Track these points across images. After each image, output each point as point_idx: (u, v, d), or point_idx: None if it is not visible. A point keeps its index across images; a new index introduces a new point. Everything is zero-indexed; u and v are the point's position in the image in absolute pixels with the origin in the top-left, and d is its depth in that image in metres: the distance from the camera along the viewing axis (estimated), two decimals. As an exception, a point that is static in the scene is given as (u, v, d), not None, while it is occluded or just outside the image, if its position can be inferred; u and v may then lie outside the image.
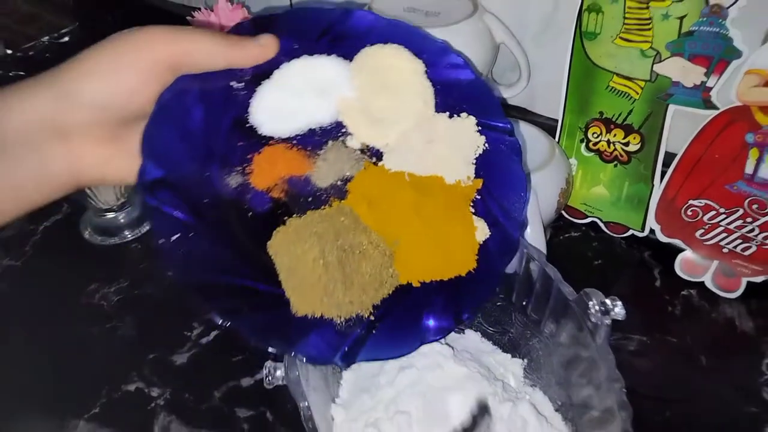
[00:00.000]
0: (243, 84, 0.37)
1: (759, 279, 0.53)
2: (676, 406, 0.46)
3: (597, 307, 0.39)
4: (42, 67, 0.31)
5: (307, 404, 0.36)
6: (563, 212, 0.62)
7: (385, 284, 0.39)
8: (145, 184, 0.34)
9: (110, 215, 0.61)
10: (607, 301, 0.40)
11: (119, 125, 0.33)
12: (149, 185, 0.34)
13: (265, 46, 0.36)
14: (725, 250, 0.54)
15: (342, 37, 0.38)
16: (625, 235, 0.59)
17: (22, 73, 0.88)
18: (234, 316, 0.35)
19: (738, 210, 0.52)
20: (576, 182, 0.60)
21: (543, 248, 0.49)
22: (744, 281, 0.53)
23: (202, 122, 0.36)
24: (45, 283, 0.58)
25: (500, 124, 0.39)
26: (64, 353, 0.52)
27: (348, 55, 0.39)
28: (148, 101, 0.33)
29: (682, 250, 0.56)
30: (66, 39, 0.97)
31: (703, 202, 0.53)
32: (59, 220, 0.64)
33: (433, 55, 0.39)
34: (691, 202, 0.54)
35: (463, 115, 0.39)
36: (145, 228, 0.62)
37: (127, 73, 0.32)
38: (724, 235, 0.54)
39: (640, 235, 0.58)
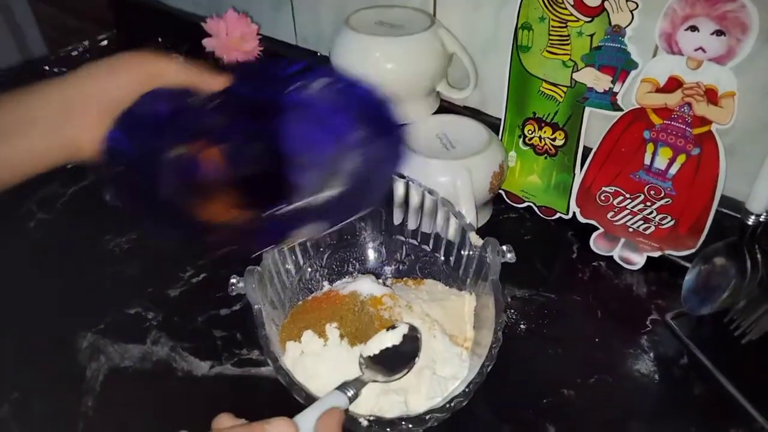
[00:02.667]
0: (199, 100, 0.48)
1: (656, 254, 0.63)
2: (564, 345, 0.55)
3: (493, 251, 0.50)
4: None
5: (258, 307, 0.48)
6: (505, 197, 0.72)
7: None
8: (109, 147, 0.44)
9: (127, 182, 0.74)
10: (503, 248, 0.50)
11: (111, 113, 0.44)
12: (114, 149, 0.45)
13: (218, 81, 0.47)
14: (630, 230, 0.64)
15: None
16: (554, 217, 0.70)
17: (64, 69, 1.03)
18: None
19: (640, 195, 0.62)
20: (515, 172, 0.71)
21: (473, 216, 0.60)
22: (644, 256, 0.63)
23: (164, 112, 0.47)
24: (70, 232, 0.71)
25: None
26: (81, 284, 0.64)
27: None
28: (132, 99, 0.44)
29: (597, 229, 0.66)
30: (104, 43, 1.12)
31: (613, 188, 0.64)
32: (85, 185, 0.77)
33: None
34: (603, 188, 0.64)
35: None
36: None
37: (120, 78, 0.44)
38: (629, 216, 0.64)
39: (566, 217, 0.68)
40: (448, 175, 0.62)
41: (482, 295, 0.52)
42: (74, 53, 1.10)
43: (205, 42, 0.73)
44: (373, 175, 0.51)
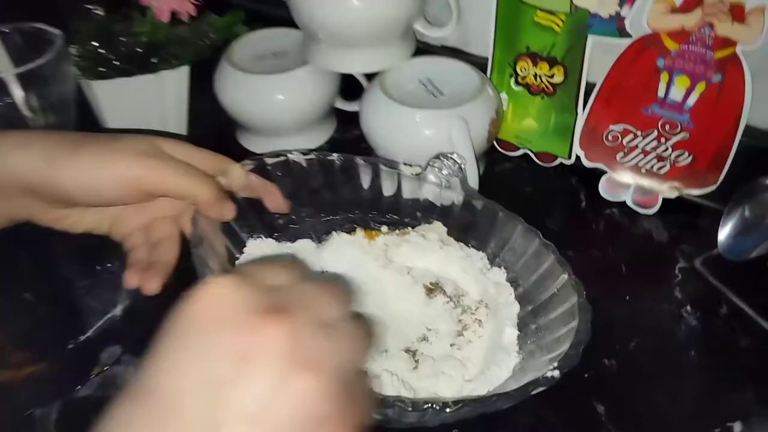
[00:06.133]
0: None
1: (673, 195, 0.57)
2: (594, 308, 0.49)
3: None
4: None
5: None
6: (497, 146, 0.65)
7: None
8: None
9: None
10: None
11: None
12: None
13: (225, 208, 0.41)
14: (643, 171, 0.58)
15: None
16: (554, 163, 0.63)
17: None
18: None
19: (653, 132, 0.56)
20: (507, 116, 0.63)
21: (474, 170, 0.52)
22: (660, 198, 0.58)
23: None
24: None
25: None
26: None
27: None
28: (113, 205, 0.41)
29: (604, 173, 0.60)
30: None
31: (622, 126, 0.57)
32: None
33: None
34: (611, 127, 0.58)
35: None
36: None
37: (102, 181, 0.38)
38: (641, 156, 0.58)
39: (568, 162, 0.62)
40: (440, 127, 0.54)
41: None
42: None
43: (130, -12, 0.60)
44: None
